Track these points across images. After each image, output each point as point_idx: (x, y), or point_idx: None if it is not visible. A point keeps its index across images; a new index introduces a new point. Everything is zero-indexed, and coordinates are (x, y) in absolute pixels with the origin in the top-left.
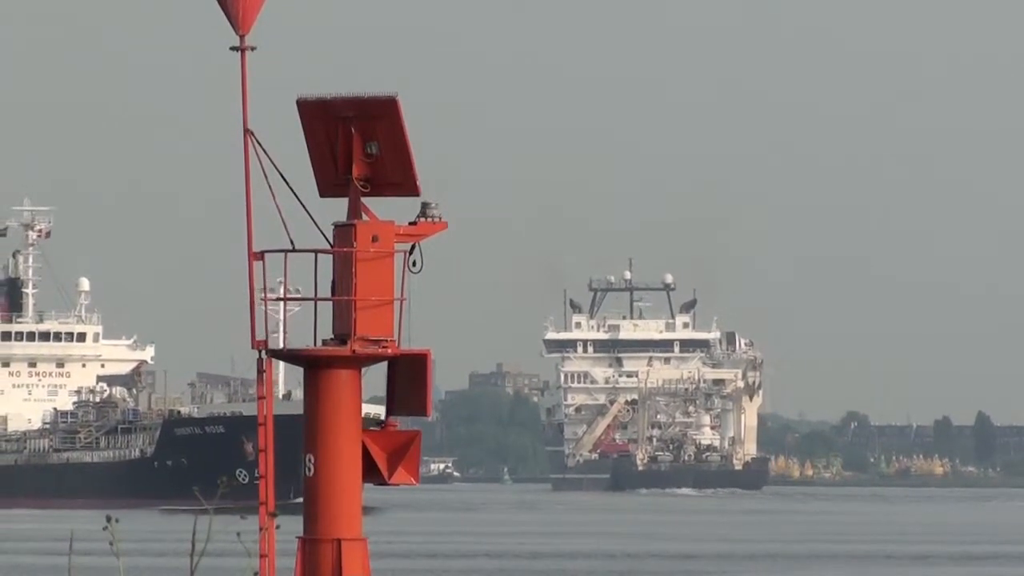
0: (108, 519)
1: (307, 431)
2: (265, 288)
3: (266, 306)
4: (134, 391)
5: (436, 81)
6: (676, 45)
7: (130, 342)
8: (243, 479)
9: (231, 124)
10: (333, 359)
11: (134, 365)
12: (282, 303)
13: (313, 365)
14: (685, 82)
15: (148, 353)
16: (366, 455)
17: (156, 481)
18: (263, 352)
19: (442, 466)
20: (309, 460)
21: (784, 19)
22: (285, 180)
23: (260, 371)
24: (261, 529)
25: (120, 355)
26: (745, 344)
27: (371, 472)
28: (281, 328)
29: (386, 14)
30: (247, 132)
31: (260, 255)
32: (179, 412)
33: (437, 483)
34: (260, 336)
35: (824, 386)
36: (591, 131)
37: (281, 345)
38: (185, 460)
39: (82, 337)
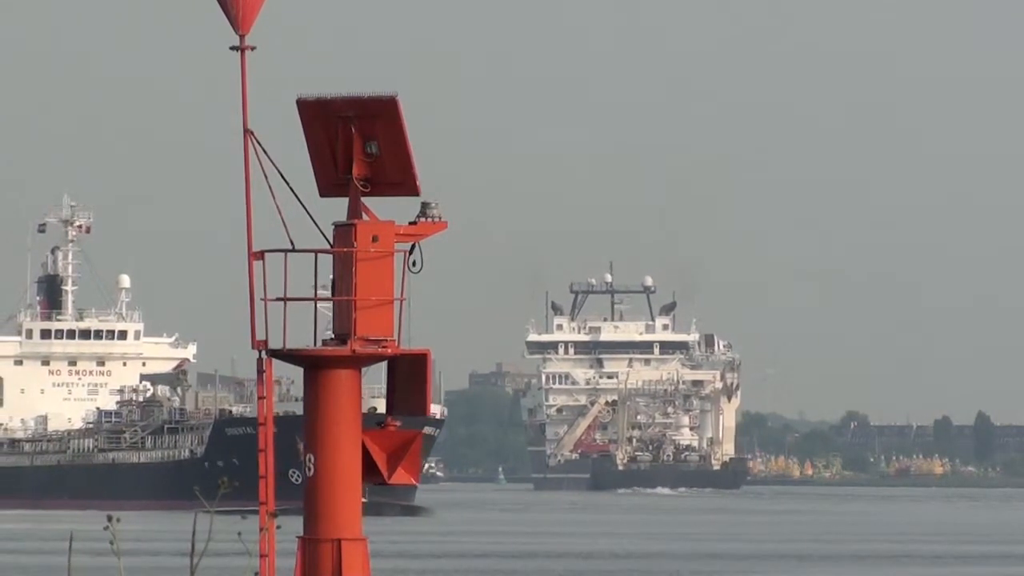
0: (109, 519)
1: (307, 431)
2: (266, 286)
3: (278, 305)
4: (178, 390)
5: (435, 81)
6: (667, 45)
7: (171, 340)
8: (295, 479)
9: (231, 124)
10: (333, 359)
11: (176, 363)
12: (283, 303)
13: (313, 365)
14: (674, 83)
15: (190, 351)
16: (366, 455)
17: (207, 481)
18: (263, 352)
19: (426, 466)
20: (309, 460)
21: (776, 22)
22: (285, 180)
23: (260, 371)
24: (261, 529)
25: (161, 353)
26: (723, 346)
27: (371, 472)
28: (282, 327)
29: (386, 14)
30: (247, 132)
31: (260, 255)
32: (230, 412)
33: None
34: (260, 336)
35: (824, 386)
36: (576, 133)
37: (320, 342)
38: (237, 460)
39: (123, 335)
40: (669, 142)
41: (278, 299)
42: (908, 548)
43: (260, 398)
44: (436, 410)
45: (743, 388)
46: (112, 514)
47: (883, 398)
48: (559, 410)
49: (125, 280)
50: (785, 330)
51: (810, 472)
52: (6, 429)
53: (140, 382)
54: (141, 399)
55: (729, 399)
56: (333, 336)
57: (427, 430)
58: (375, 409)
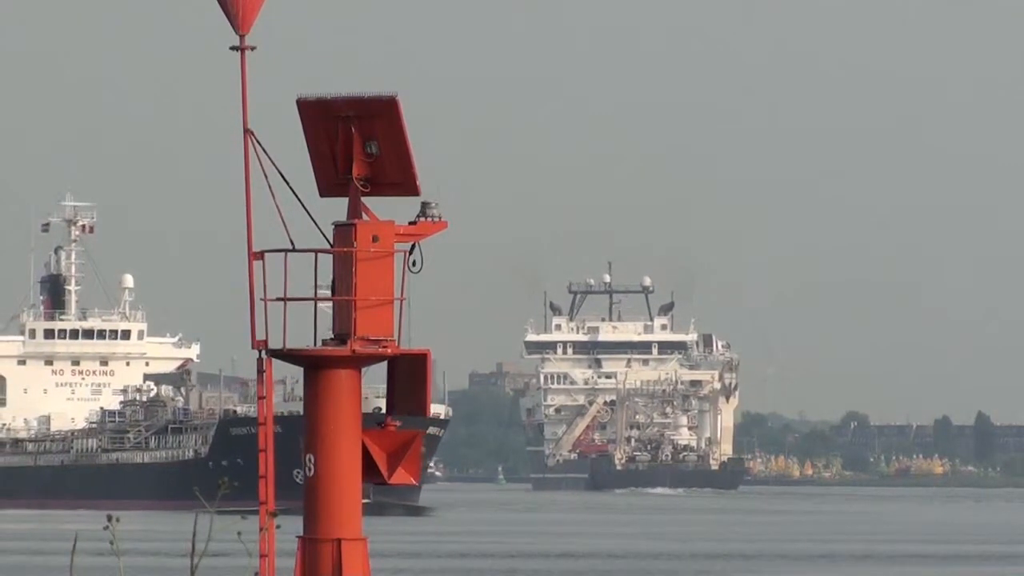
0: (108, 518)
1: (307, 431)
2: (266, 286)
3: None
4: (182, 390)
5: (435, 81)
6: (668, 45)
7: (175, 340)
8: (300, 480)
9: (231, 124)
10: (333, 359)
11: (179, 363)
12: (283, 303)
13: (313, 365)
14: (675, 83)
15: (193, 351)
16: (366, 455)
17: (211, 482)
18: (263, 352)
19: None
20: (309, 460)
21: (778, 22)
22: (285, 180)
23: (260, 371)
24: (261, 529)
25: (165, 353)
26: (722, 346)
27: (371, 472)
28: (282, 327)
29: (386, 14)
30: (247, 132)
31: (260, 255)
32: (234, 412)
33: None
34: (260, 336)
35: (824, 386)
36: (575, 133)
37: (320, 342)
38: (241, 460)
39: (126, 335)
40: (669, 142)
41: (278, 299)
42: (908, 548)
43: (260, 398)
44: (440, 410)
45: (742, 388)
46: (112, 514)
47: (883, 398)
48: (557, 410)
49: (128, 280)
50: (785, 330)
51: (810, 472)
52: (9, 429)
53: (144, 382)
54: (145, 399)
55: (727, 399)
56: (333, 336)
57: (431, 430)
58: (379, 409)
